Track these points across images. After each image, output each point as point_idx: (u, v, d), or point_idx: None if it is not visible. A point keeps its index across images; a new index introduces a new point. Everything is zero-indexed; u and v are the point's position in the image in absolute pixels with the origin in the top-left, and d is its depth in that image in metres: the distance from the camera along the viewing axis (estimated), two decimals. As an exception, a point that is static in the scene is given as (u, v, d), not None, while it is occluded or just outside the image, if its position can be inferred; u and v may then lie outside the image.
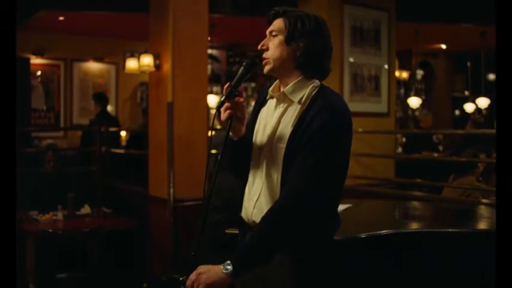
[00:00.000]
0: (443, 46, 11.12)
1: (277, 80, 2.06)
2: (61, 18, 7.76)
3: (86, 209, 5.33)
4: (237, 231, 2.18)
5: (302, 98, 1.94)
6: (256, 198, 1.99)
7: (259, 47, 2.00)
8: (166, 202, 4.92)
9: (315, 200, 1.86)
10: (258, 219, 1.94)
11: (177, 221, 4.89)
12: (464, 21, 8.23)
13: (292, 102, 1.97)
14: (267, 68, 2.00)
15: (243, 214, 2.07)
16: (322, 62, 1.99)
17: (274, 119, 2.00)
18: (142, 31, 5.76)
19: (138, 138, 6.97)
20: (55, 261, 4.97)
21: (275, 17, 2.01)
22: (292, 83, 1.97)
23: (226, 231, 3.17)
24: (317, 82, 1.98)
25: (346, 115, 1.92)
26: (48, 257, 4.90)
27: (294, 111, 1.95)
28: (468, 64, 11.20)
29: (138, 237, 5.32)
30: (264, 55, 2.00)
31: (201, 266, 1.84)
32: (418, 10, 7.44)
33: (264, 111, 2.10)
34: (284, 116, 1.97)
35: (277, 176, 1.94)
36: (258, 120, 2.10)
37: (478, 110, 10.40)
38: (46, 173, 5.56)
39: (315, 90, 1.95)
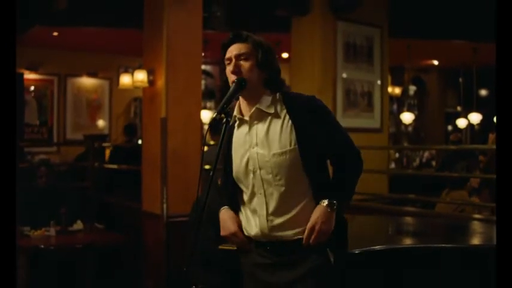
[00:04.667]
0: (436, 62, 11.20)
1: (237, 103, 2.18)
2: (55, 33, 7.78)
3: (78, 225, 5.29)
4: (231, 247, 2.20)
5: (276, 108, 2.12)
6: (265, 212, 2.08)
7: (232, 70, 2.10)
8: (159, 217, 4.90)
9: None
10: (277, 231, 2.06)
11: (170, 237, 4.87)
12: (456, 38, 8.31)
13: (267, 115, 2.10)
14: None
15: (253, 231, 2.13)
16: (281, 79, 2.23)
17: (257, 137, 2.10)
18: (136, 47, 5.78)
19: (124, 152, 6.94)
20: (47, 277, 4.93)
21: (236, 40, 2.15)
22: (262, 99, 2.12)
23: (220, 247, 3.15)
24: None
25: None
26: (40, 273, 4.85)
27: (276, 122, 2.10)
28: (460, 80, 11.29)
29: (131, 252, 5.29)
30: (236, 77, 2.09)
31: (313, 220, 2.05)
32: (411, 27, 7.50)
33: (236, 135, 2.19)
34: (269, 131, 2.09)
35: (283, 183, 2.06)
36: (234, 145, 2.19)
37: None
38: (39, 188, 5.53)
39: (283, 97, 2.16)
